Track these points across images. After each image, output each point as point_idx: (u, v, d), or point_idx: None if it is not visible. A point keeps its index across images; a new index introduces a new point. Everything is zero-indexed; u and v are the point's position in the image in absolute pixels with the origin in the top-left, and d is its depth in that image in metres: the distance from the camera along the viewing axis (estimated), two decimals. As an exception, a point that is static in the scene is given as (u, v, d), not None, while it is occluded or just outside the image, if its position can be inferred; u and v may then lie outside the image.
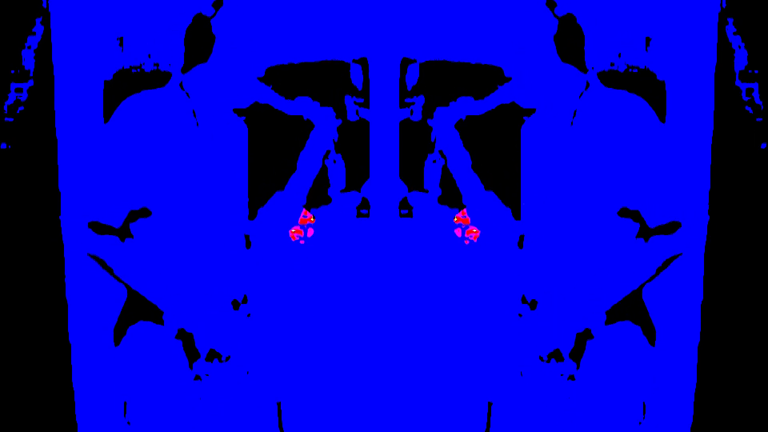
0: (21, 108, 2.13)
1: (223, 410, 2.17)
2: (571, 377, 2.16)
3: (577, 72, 2.12)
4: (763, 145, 2.14)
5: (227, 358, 2.15)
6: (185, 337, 2.15)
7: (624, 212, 2.13)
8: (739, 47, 2.11)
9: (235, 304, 2.15)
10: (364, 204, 2.13)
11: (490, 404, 2.17)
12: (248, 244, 2.14)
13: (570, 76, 2.12)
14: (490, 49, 2.12)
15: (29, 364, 2.18)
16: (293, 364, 2.16)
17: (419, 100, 2.12)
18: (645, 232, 2.14)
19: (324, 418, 2.16)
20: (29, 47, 2.13)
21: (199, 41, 2.11)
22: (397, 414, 2.15)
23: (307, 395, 2.16)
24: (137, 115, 2.12)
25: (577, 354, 2.16)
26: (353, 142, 2.13)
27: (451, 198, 2.14)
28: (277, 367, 2.16)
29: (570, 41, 2.11)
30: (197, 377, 2.16)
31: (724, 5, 2.12)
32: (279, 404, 2.17)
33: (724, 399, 2.20)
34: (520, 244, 2.14)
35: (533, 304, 2.15)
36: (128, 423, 2.18)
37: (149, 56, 2.11)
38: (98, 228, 2.14)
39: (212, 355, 2.16)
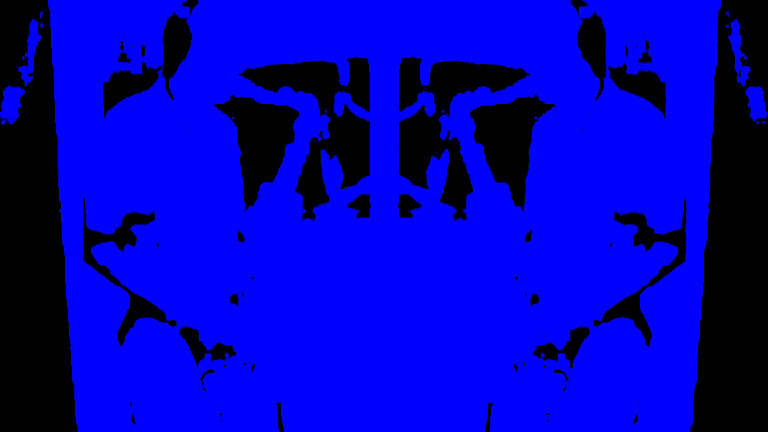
0: (20, 105, 2.14)
1: (222, 409, 2.17)
2: (560, 371, 2.16)
3: (591, 73, 2.12)
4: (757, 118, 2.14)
5: (231, 353, 2.16)
6: (188, 335, 2.16)
7: (628, 216, 2.14)
8: (741, 55, 2.11)
9: (234, 299, 2.16)
10: (364, 203, 2.13)
11: (490, 405, 2.17)
12: (241, 238, 2.14)
13: (585, 76, 2.12)
14: (495, 47, 2.12)
15: (30, 370, 2.19)
16: (292, 364, 2.17)
17: (423, 99, 2.12)
18: (648, 236, 2.14)
19: (323, 417, 2.17)
20: (29, 47, 2.13)
21: (179, 42, 2.11)
22: (398, 414, 2.16)
23: (307, 395, 2.17)
24: (129, 119, 2.12)
25: (572, 351, 2.17)
26: (353, 144, 2.13)
27: (455, 195, 2.14)
28: (275, 368, 2.17)
29: (590, 41, 2.11)
30: (207, 372, 2.16)
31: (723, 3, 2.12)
32: (279, 405, 2.17)
33: (724, 399, 2.21)
34: (527, 238, 2.14)
35: (534, 299, 2.15)
36: (133, 421, 2.19)
37: (143, 57, 2.12)
38: (95, 233, 2.14)
39: (216, 354, 2.16)
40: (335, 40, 2.11)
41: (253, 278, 2.15)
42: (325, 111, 2.12)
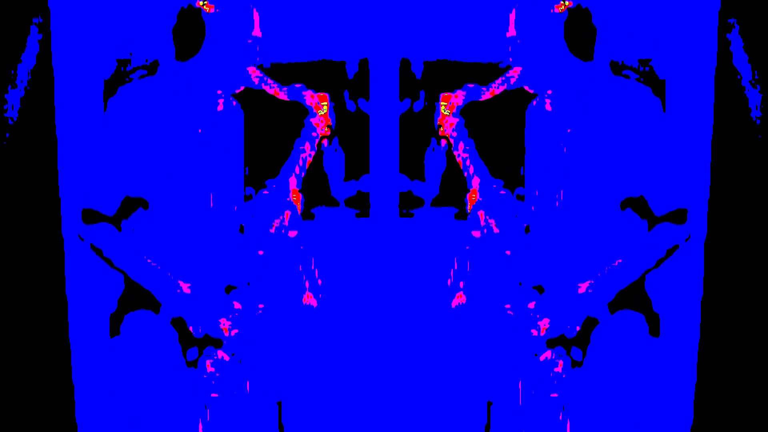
0: (20, 104, 2.14)
1: (221, 405, 2.17)
2: (578, 363, 2.17)
3: (582, 61, 2.13)
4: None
5: (219, 341, 2.16)
6: (180, 327, 2.16)
7: (628, 201, 2.14)
8: (741, 55, 2.12)
9: (228, 289, 2.16)
10: (364, 199, 2.14)
11: (489, 404, 2.17)
12: (241, 229, 2.14)
13: (576, 65, 2.13)
14: (490, 45, 2.13)
15: (29, 357, 2.18)
16: (293, 363, 2.16)
17: (420, 97, 2.12)
18: (649, 221, 2.15)
19: (324, 417, 2.16)
20: (29, 47, 2.13)
21: (193, 35, 2.12)
22: (398, 414, 2.16)
23: (307, 394, 2.16)
24: (132, 104, 2.13)
25: (582, 341, 2.17)
26: (353, 141, 2.13)
27: (453, 189, 2.15)
28: (276, 367, 2.17)
29: (578, 34, 2.12)
30: (190, 363, 2.16)
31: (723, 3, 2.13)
32: (279, 403, 2.17)
33: (725, 394, 2.21)
34: (527, 230, 2.14)
35: (540, 289, 2.15)
36: (128, 415, 2.18)
37: (146, 52, 2.12)
38: (95, 217, 2.14)
39: (208, 344, 2.16)
40: (341, 40, 2.12)
41: (248, 284, 2.15)
42: (333, 107, 2.13)
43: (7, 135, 2.11)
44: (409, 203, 2.14)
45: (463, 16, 2.12)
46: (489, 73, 2.13)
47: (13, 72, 2.11)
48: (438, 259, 2.15)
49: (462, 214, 2.14)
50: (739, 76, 2.13)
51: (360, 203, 2.14)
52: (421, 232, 2.14)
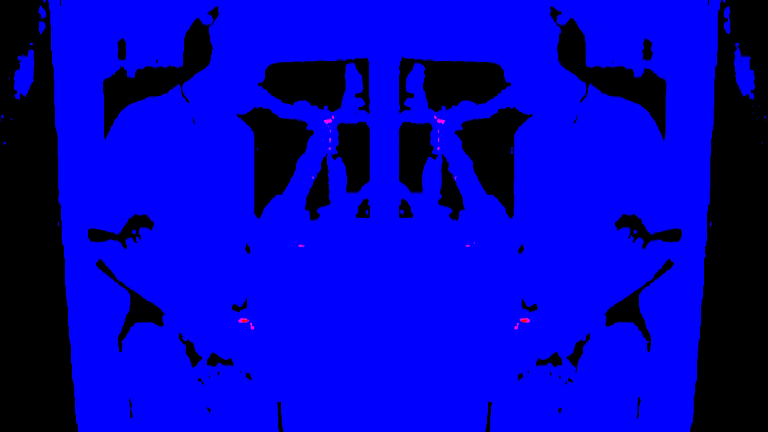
0: (19, 107, 2.14)
1: (224, 412, 2.17)
2: (569, 380, 2.17)
3: (576, 79, 2.12)
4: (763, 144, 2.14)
5: (228, 361, 2.16)
6: (187, 341, 2.16)
7: (623, 219, 2.14)
8: (740, 51, 2.11)
9: (236, 308, 2.16)
10: (364, 206, 2.14)
11: (490, 404, 2.17)
12: (248, 249, 2.15)
13: (570, 83, 2.12)
14: (489, 50, 2.12)
15: (30, 372, 2.19)
16: (293, 365, 2.17)
17: (420, 102, 2.12)
18: (643, 238, 2.14)
19: (324, 419, 2.17)
20: (29, 47, 2.13)
21: (198, 48, 2.12)
22: (397, 416, 2.16)
23: (308, 397, 2.17)
24: (139, 122, 2.12)
25: (575, 357, 2.17)
26: (353, 144, 2.13)
27: (451, 200, 2.15)
28: (277, 368, 2.17)
29: (571, 48, 2.11)
30: (199, 380, 2.16)
31: (723, 3, 2.13)
32: (279, 405, 2.18)
33: (724, 403, 2.21)
34: (520, 249, 2.14)
35: (533, 308, 2.15)
36: (130, 418, 2.19)
37: (152, 59, 2.12)
38: (100, 235, 2.14)
39: (214, 359, 2.16)
40: (341, 41, 2.12)
41: (257, 300, 2.16)
42: (335, 115, 2.13)
43: (5, 143, 2.11)
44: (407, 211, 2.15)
45: (465, 16, 2.12)
46: (489, 76, 2.13)
47: (11, 84, 2.11)
48: (435, 259, 2.15)
49: (455, 215, 2.15)
50: (739, 88, 2.13)
51: (361, 210, 2.14)
52: (419, 233, 2.14)
